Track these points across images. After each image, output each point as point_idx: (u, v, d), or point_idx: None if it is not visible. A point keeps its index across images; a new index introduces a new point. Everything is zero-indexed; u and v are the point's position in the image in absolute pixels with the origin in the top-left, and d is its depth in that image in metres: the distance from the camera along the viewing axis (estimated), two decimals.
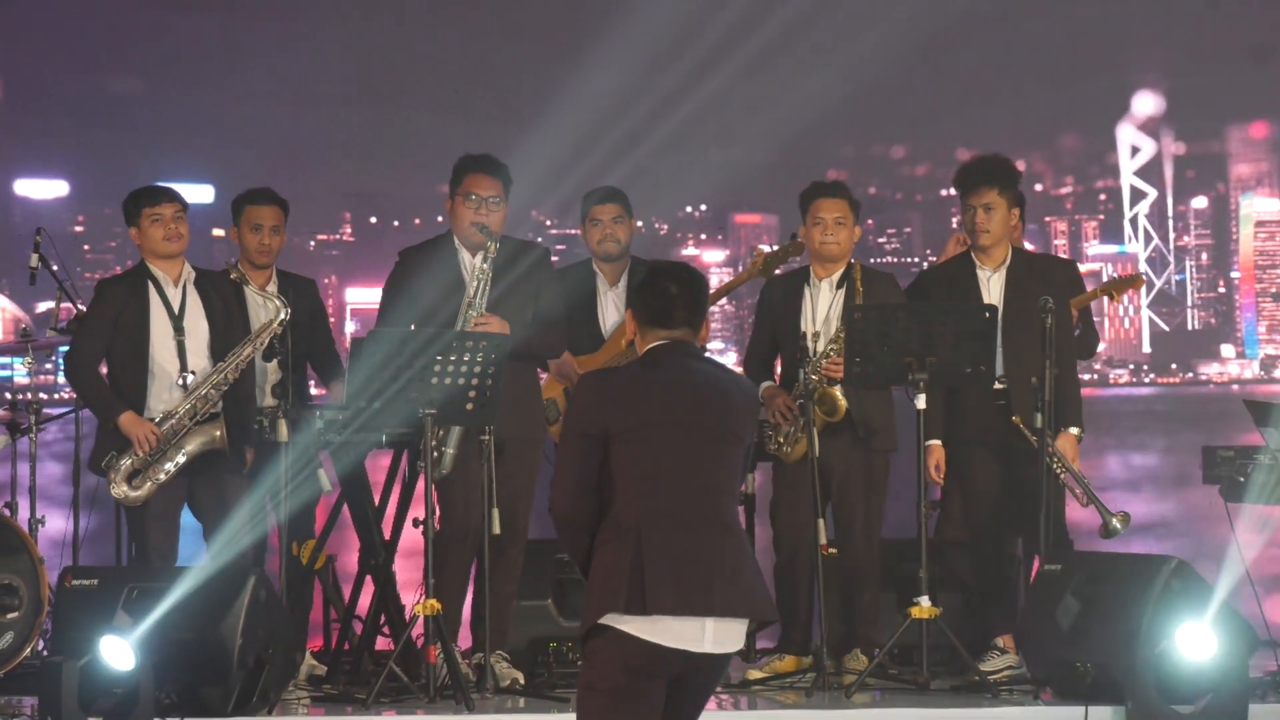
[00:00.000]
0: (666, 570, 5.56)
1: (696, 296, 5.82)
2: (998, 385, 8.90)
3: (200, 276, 8.92)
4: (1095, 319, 9.85)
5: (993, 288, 9.06)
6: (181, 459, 8.69)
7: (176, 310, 8.82)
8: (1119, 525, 8.84)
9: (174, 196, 8.93)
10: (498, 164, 8.96)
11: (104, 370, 8.84)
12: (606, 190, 9.53)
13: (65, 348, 9.32)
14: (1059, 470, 8.83)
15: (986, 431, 8.97)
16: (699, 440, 5.71)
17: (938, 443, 8.94)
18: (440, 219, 8.86)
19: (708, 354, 6.08)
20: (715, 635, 5.59)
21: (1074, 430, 8.95)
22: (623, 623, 5.53)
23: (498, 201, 8.86)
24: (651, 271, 5.86)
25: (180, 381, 8.78)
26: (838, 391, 8.88)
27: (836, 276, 9.01)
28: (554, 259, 9.17)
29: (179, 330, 8.82)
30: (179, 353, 8.80)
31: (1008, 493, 8.97)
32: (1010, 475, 8.95)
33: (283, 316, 8.70)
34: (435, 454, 8.45)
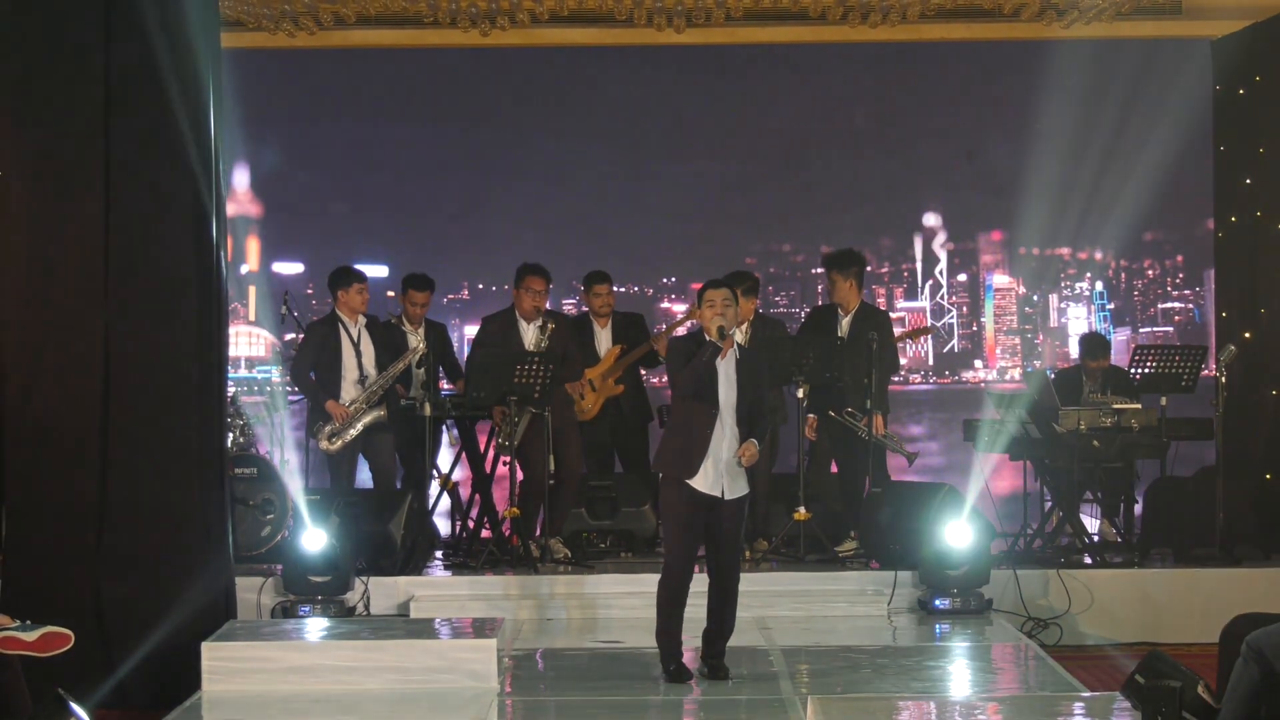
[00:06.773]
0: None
1: None
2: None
3: (369, 321, 8.91)
4: (901, 344, 9.73)
5: (845, 326, 8.99)
6: (359, 427, 8.67)
7: (355, 340, 8.81)
8: (910, 457, 8.81)
9: (367, 279, 8.97)
10: (544, 269, 8.84)
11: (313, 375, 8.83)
12: (601, 273, 9.40)
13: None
14: (875, 436, 8.73)
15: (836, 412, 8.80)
16: None
17: (814, 416, 8.84)
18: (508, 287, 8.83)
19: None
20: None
21: (879, 412, 8.80)
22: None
23: (544, 293, 8.81)
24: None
25: (359, 381, 8.76)
26: None
27: (745, 325, 8.90)
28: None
29: (358, 352, 8.78)
30: (358, 364, 8.78)
31: (851, 451, 8.82)
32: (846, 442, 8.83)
33: (421, 351, 8.72)
34: (515, 422, 8.37)
